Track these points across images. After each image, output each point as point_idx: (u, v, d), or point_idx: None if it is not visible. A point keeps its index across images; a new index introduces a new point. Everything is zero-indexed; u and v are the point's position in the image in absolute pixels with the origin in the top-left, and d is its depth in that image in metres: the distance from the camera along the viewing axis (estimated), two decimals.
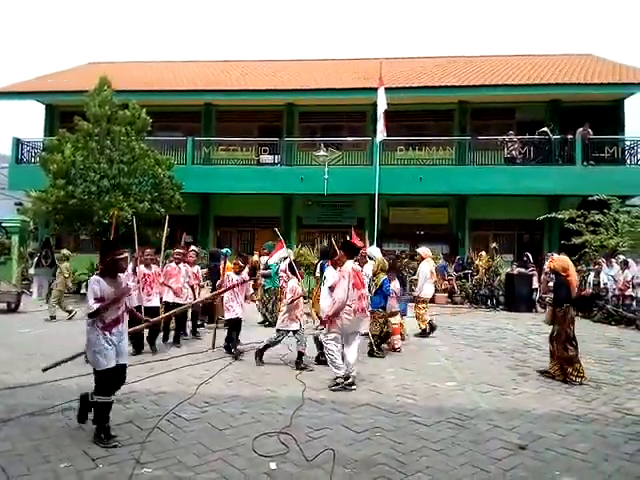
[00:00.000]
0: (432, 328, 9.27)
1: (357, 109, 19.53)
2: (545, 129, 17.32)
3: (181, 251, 9.12)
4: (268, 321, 10.20)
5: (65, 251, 12.05)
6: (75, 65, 25.19)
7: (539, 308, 14.30)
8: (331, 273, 6.21)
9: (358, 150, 18.58)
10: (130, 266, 7.55)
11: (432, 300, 9.59)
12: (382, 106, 15.42)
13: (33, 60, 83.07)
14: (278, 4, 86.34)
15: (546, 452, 4.01)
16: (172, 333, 8.39)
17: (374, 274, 7.68)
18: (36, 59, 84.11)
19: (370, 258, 8.30)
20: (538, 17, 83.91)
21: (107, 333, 4.17)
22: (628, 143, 17.59)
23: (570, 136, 17.17)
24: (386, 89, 15.92)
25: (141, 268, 7.70)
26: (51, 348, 7.72)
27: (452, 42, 77.75)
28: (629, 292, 11.87)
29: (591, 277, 13.15)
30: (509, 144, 17.47)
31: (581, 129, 17.00)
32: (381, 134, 15.58)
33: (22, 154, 19.12)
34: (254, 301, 11.22)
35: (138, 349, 7.46)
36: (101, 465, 3.63)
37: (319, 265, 8.50)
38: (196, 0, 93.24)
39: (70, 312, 11.05)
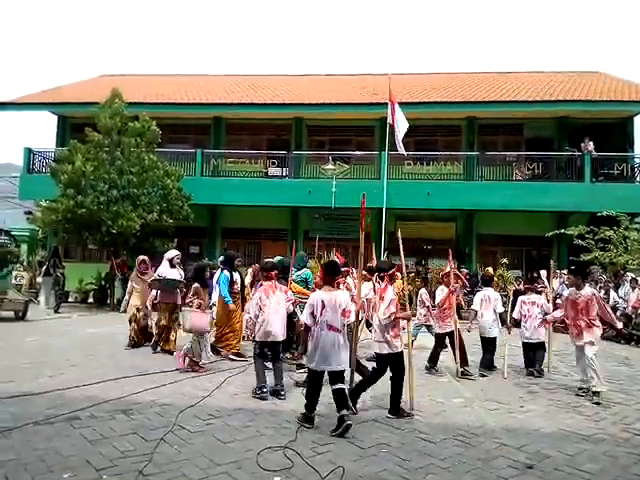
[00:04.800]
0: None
1: (365, 123, 19.65)
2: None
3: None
4: None
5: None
6: (87, 77, 25.57)
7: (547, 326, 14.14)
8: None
9: (366, 164, 18.64)
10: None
11: None
12: (404, 123, 15.36)
13: (47, 72, 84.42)
14: (288, 20, 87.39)
15: (554, 472, 3.94)
16: None
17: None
18: (49, 71, 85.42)
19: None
20: (547, 35, 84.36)
21: None
22: (637, 161, 17.54)
23: (576, 152, 17.23)
24: (397, 103, 16.01)
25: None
26: (58, 357, 7.76)
27: (460, 59, 78.30)
28: None
29: (601, 295, 13.00)
30: (518, 166, 17.67)
31: (583, 144, 17.05)
32: (401, 149, 15.61)
33: (33, 164, 19.31)
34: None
35: None
36: (105, 476, 3.61)
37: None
38: (207, 15, 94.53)
39: None
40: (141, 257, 9.56)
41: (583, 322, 6.38)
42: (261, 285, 6.52)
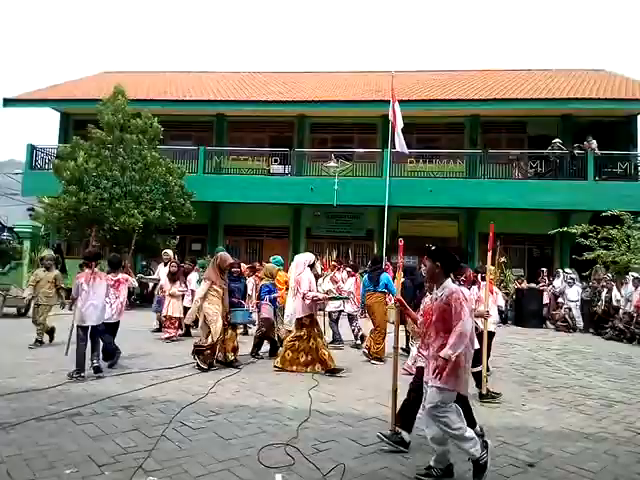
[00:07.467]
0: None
1: (368, 121, 19.63)
2: (557, 141, 17.28)
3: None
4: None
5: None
6: (90, 74, 25.56)
7: (549, 324, 14.15)
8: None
9: (368, 162, 18.62)
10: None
11: None
12: (400, 122, 15.54)
13: (49, 69, 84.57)
14: (291, 18, 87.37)
15: (555, 470, 3.93)
16: None
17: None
18: (52, 68, 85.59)
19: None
20: (551, 33, 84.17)
21: None
22: None
23: (577, 151, 17.14)
24: (397, 101, 16.02)
25: None
26: (59, 353, 7.76)
27: (464, 56, 78.15)
28: None
29: (603, 294, 13.00)
30: (521, 165, 17.62)
31: (586, 143, 16.97)
32: (401, 148, 15.69)
33: (36, 160, 19.36)
34: None
35: None
36: (107, 472, 3.62)
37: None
38: (210, 13, 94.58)
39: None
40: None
41: (434, 344, 3.65)
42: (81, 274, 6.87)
